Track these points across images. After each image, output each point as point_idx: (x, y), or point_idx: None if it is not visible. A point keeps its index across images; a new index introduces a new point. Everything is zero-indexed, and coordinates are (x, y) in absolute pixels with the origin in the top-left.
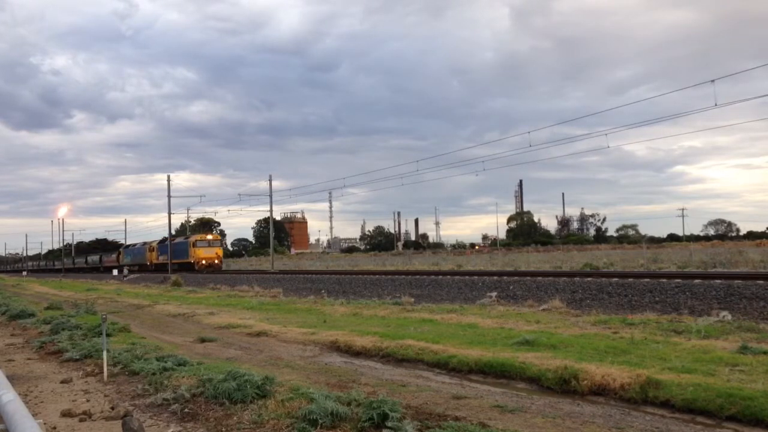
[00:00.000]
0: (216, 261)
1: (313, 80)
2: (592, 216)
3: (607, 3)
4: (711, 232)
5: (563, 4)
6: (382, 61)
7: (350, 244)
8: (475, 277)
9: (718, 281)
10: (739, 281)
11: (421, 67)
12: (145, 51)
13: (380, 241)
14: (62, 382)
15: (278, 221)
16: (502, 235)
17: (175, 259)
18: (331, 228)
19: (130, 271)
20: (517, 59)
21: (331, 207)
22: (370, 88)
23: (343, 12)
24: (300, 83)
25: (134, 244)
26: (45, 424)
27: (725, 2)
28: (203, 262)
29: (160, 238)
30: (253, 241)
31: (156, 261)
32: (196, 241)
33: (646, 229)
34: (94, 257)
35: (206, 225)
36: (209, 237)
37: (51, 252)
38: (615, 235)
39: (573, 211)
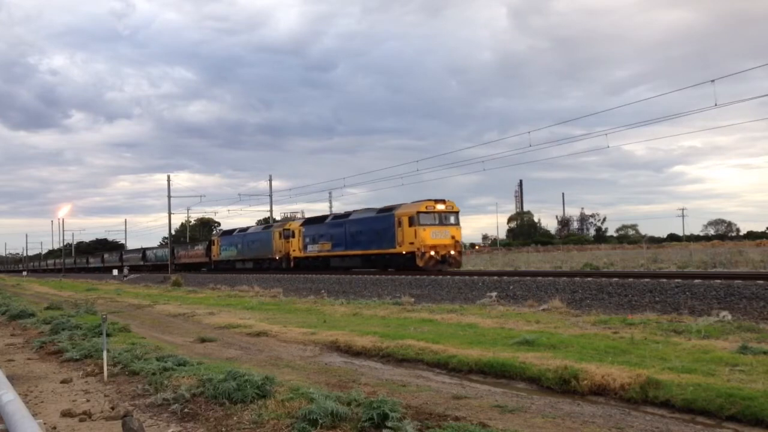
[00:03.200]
0: (453, 252)
1: (311, 80)
2: (592, 216)
3: (604, 3)
4: (711, 232)
5: (561, 4)
6: (380, 61)
7: None
8: (475, 277)
9: (718, 281)
10: (739, 281)
11: (419, 66)
12: (143, 51)
13: None
14: (62, 382)
15: (278, 221)
16: (502, 235)
17: (358, 249)
18: None
19: (222, 268)
20: (515, 59)
21: (331, 207)
22: (368, 88)
23: (340, 11)
24: (298, 83)
25: (244, 229)
26: (45, 424)
27: (723, 2)
28: (431, 253)
29: (160, 238)
30: None
31: (300, 254)
32: (418, 213)
33: (646, 229)
34: (159, 251)
35: (206, 225)
36: (440, 206)
37: (51, 252)
38: (615, 235)
39: (573, 211)
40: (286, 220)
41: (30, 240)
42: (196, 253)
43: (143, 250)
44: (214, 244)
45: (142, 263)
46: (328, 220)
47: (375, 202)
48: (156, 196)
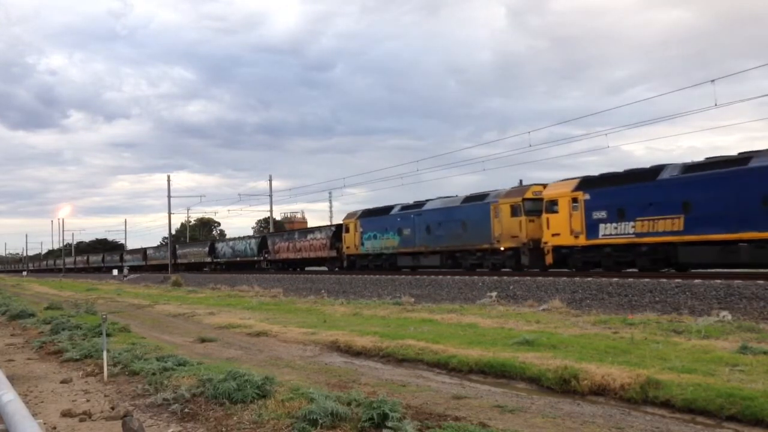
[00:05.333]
0: None
1: (310, 80)
2: None
3: (602, 2)
4: None
5: (559, 4)
6: (379, 61)
7: None
8: (475, 277)
9: (718, 281)
10: (739, 281)
11: (418, 66)
12: (142, 50)
13: None
14: (62, 382)
15: (278, 221)
16: None
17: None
18: None
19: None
20: (514, 59)
21: (331, 207)
22: (367, 88)
23: (338, 11)
24: (297, 83)
25: (413, 205)
26: (45, 424)
27: (722, 1)
28: None
29: (160, 238)
30: None
31: (579, 240)
32: None
33: None
34: (239, 244)
35: (206, 225)
36: None
37: (51, 252)
38: None
39: None
40: (519, 188)
41: (30, 240)
42: (312, 245)
43: (211, 243)
44: (347, 231)
45: (209, 260)
46: (662, 176)
47: (375, 203)
48: (155, 196)
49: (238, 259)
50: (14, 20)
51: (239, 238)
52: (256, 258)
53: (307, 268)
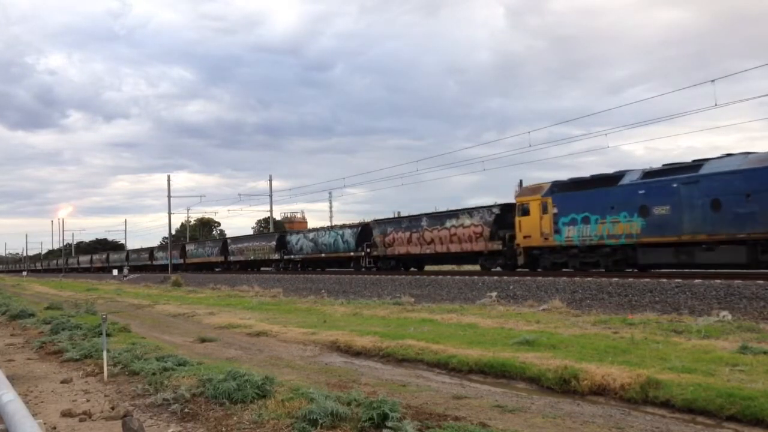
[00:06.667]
0: None
1: (309, 80)
2: None
3: (601, 2)
4: None
5: (558, 4)
6: (379, 61)
7: None
8: (475, 277)
9: (718, 281)
10: (739, 281)
11: (417, 66)
12: (141, 50)
13: None
14: (62, 382)
15: (278, 221)
16: None
17: None
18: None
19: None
20: (513, 59)
21: (331, 207)
22: (366, 88)
23: (338, 11)
24: (296, 83)
25: (685, 167)
26: (45, 424)
27: (721, 1)
28: None
29: (160, 237)
30: None
31: None
32: None
33: None
34: (324, 235)
35: (206, 225)
36: None
37: (51, 252)
38: None
39: None
40: None
41: (30, 240)
42: (456, 235)
43: (280, 236)
44: (526, 213)
45: (277, 256)
46: None
47: (375, 202)
48: (155, 196)
49: (322, 255)
50: (13, 20)
51: (324, 228)
52: (353, 253)
53: (429, 267)
